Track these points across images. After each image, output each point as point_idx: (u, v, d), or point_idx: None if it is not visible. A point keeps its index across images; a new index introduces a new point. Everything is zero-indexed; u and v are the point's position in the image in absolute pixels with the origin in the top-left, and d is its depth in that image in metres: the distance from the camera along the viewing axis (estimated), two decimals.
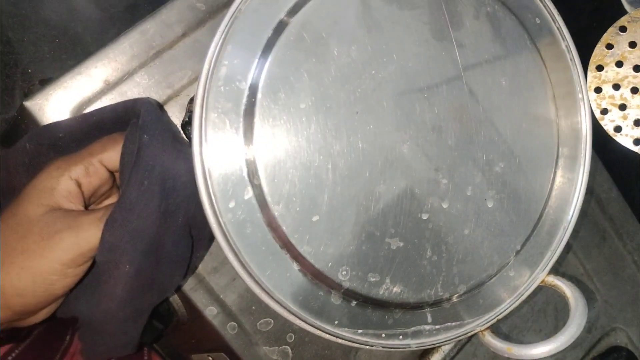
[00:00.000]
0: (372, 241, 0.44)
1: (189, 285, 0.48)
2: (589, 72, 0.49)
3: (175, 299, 0.50)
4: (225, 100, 0.40)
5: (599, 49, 0.49)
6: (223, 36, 0.40)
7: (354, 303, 0.44)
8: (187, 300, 0.49)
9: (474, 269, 0.47)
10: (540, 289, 0.50)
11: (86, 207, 0.42)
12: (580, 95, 0.49)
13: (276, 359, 0.50)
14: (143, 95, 0.47)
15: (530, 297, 0.50)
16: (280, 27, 0.41)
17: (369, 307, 0.44)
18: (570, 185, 0.50)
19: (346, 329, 0.44)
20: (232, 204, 0.40)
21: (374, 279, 0.44)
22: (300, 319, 0.42)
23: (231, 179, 0.40)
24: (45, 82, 0.47)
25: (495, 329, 0.50)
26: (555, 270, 0.50)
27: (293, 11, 0.41)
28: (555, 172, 0.49)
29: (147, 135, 0.40)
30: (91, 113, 0.44)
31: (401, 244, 0.44)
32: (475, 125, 0.46)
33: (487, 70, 0.46)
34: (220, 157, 0.40)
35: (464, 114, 0.46)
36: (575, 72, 0.49)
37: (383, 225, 0.44)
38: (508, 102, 0.47)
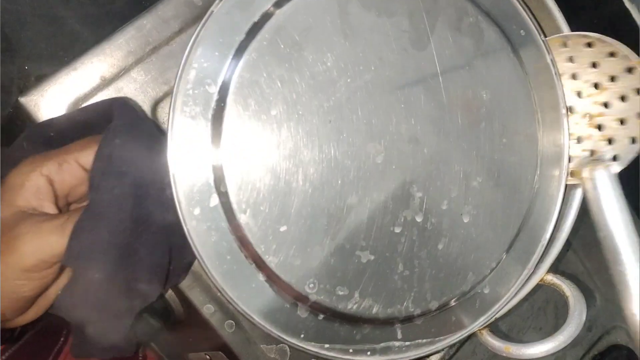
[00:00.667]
0: (341, 254, 0.42)
1: (185, 283, 0.47)
2: None
3: (172, 297, 0.49)
4: (194, 104, 0.39)
5: None
6: (194, 38, 0.39)
7: (321, 317, 0.43)
8: (183, 298, 0.48)
9: (447, 285, 0.46)
10: (540, 287, 0.49)
11: (60, 208, 0.41)
12: (563, 111, 0.48)
13: (274, 357, 0.49)
14: (139, 92, 0.46)
15: (529, 295, 0.49)
16: (253, 31, 0.40)
17: (336, 321, 0.43)
18: (550, 202, 0.48)
19: (312, 343, 0.43)
20: (197, 211, 0.39)
21: (342, 293, 0.43)
22: (264, 331, 0.41)
23: (197, 186, 0.39)
24: (40, 78, 0.46)
25: (494, 327, 0.49)
26: (555, 268, 0.50)
27: (267, 15, 0.40)
28: (535, 189, 0.48)
29: (118, 140, 0.39)
30: (78, 112, 0.43)
31: (372, 258, 0.43)
32: (453, 138, 0.45)
33: (467, 82, 0.45)
34: (186, 162, 0.39)
35: (442, 127, 0.45)
36: (560, 87, 0.48)
37: (353, 237, 0.43)
38: (488, 116, 0.46)
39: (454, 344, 0.49)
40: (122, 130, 0.39)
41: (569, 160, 0.49)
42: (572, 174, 0.49)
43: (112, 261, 0.38)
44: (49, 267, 0.38)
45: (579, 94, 0.49)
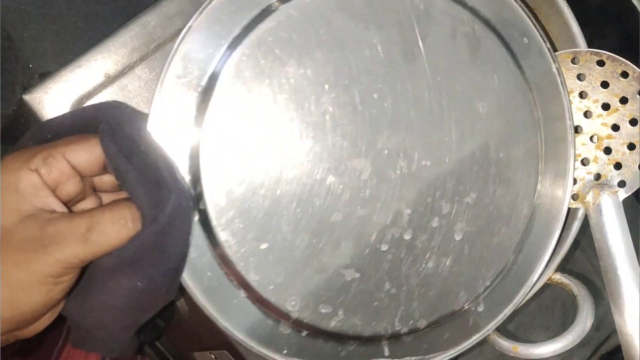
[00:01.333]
0: (325, 272, 0.42)
1: None
2: None
3: (176, 296, 0.50)
4: (173, 119, 0.38)
5: None
6: (171, 56, 0.38)
7: (304, 333, 0.42)
8: (188, 297, 0.48)
9: (437, 303, 0.44)
10: (547, 286, 0.48)
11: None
12: (569, 122, 0.45)
13: None
14: (144, 89, 0.45)
15: (537, 294, 0.48)
16: (233, 45, 0.39)
17: (320, 338, 0.43)
18: (552, 219, 0.46)
19: (295, 359, 0.42)
20: None
21: (325, 311, 0.42)
22: (246, 347, 0.42)
23: None
24: (45, 75, 0.47)
25: (501, 327, 0.48)
26: (562, 268, 0.48)
27: (248, 28, 0.39)
28: (535, 205, 0.46)
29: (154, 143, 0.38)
30: (69, 115, 0.43)
31: (357, 276, 0.42)
32: (446, 152, 0.43)
33: (462, 94, 0.43)
34: None
35: (433, 141, 0.43)
36: (566, 97, 0.45)
37: (337, 255, 0.42)
38: (484, 129, 0.44)
39: None
40: (147, 135, 0.38)
41: (574, 182, 0.47)
42: (575, 197, 0.47)
43: (161, 274, 0.38)
44: (76, 269, 0.37)
45: (587, 114, 0.47)
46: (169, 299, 0.41)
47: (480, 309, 0.46)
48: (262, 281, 0.41)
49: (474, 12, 0.43)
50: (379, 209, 0.42)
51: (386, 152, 0.42)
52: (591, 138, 0.47)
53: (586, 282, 0.49)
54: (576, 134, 0.46)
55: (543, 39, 0.44)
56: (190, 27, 0.38)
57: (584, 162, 0.47)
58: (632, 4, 0.48)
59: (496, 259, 0.45)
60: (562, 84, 0.45)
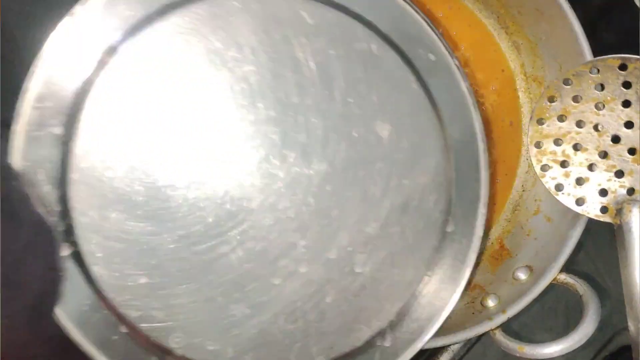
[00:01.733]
0: (212, 307, 0.39)
1: None
2: (530, 126, 0.44)
3: None
4: (37, 147, 0.36)
5: (542, 102, 0.44)
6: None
7: None
8: None
9: (336, 339, 0.42)
10: (551, 286, 0.47)
11: None
12: (482, 146, 0.42)
13: None
14: None
15: (540, 295, 0.47)
16: (95, 74, 0.37)
17: None
18: (461, 254, 0.43)
19: None
20: None
21: (212, 348, 0.40)
22: None
23: None
24: None
25: (507, 327, 0.47)
26: (566, 268, 0.47)
27: (110, 52, 0.37)
28: (446, 231, 0.43)
29: None
30: None
31: (247, 311, 0.40)
32: (343, 180, 0.40)
33: (358, 117, 0.40)
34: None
35: (328, 168, 0.40)
36: (477, 118, 0.42)
37: (226, 290, 0.39)
38: (386, 155, 0.40)
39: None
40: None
41: (605, 194, 0.44)
42: (604, 209, 0.45)
43: (20, 310, 0.36)
44: None
45: (628, 124, 0.43)
46: (45, 336, 0.39)
47: (387, 344, 0.43)
48: (143, 316, 0.39)
49: (371, 26, 0.39)
50: (271, 241, 0.40)
51: (274, 179, 0.39)
52: (629, 151, 0.44)
53: (591, 282, 0.48)
54: (613, 144, 0.44)
55: (451, 55, 0.41)
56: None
57: (618, 175, 0.44)
58: (633, 3, 0.46)
59: (401, 292, 0.42)
60: (472, 104, 0.41)
